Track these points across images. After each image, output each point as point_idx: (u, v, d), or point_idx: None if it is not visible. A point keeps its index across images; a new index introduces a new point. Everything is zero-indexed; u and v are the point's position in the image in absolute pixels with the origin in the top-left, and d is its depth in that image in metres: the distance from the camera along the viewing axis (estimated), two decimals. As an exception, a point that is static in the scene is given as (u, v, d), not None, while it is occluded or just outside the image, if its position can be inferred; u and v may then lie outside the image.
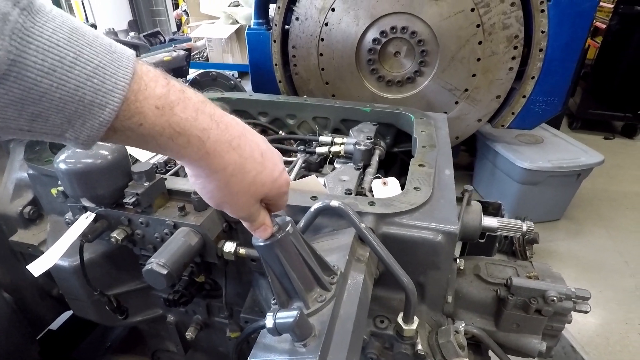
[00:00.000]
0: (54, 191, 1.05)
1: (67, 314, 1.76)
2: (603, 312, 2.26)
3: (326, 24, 2.53)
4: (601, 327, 2.17)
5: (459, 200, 1.15)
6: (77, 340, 1.96)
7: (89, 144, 0.46)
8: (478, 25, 2.33)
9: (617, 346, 2.08)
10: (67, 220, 1.09)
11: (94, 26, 1.55)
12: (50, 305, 1.62)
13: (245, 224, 0.65)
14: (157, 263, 0.82)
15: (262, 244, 0.65)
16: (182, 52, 2.71)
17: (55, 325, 1.77)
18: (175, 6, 9.25)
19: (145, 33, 5.46)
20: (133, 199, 0.93)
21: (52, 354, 1.75)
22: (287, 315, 0.59)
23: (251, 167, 0.58)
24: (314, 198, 0.93)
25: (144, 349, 1.72)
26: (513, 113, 2.61)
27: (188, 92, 0.52)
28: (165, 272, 0.82)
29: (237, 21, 4.00)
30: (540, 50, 2.37)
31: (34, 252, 1.34)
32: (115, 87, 0.44)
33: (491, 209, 1.51)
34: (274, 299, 0.71)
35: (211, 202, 0.61)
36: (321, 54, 2.64)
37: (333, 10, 2.48)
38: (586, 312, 0.95)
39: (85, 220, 0.98)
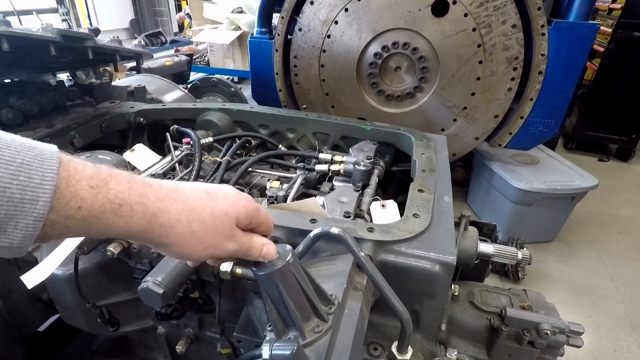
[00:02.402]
0: (51, 201, 1.04)
1: (54, 317, 1.74)
2: (592, 338, 2.26)
3: (329, 36, 2.55)
4: (590, 353, 2.18)
5: (456, 225, 1.15)
6: (63, 343, 1.93)
7: (24, 246, 0.45)
8: (479, 45, 2.35)
9: (605, 372, 2.09)
10: (62, 229, 1.08)
11: (97, 30, 1.54)
12: (40, 309, 1.60)
13: (252, 257, 0.65)
14: (154, 282, 0.82)
15: (261, 273, 0.65)
16: (184, 57, 2.72)
17: (42, 327, 1.75)
18: (178, 8, 9.27)
19: (146, 33, 5.48)
20: (131, 215, 0.92)
21: (38, 358, 1.73)
22: (284, 347, 0.59)
23: (202, 205, 0.59)
24: (313, 221, 0.93)
25: (131, 355, 1.70)
26: (510, 133, 2.64)
27: (116, 169, 0.53)
28: (161, 291, 0.82)
29: (239, 27, 4.02)
30: (540, 72, 2.40)
31: (27, 257, 1.32)
32: (44, 180, 0.44)
33: (486, 230, 1.52)
34: (269, 326, 0.71)
35: (198, 256, 0.61)
36: (322, 65, 2.65)
37: (336, 22, 2.49)
38: (579, 347, 0.96)
39: (81, 233, 0.97)
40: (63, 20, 7.90)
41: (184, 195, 0.58)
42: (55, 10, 7.98)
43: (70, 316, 1.30)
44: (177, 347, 1.29)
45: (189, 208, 0.57)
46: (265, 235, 0.69)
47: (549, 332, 0.93)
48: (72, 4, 8.09)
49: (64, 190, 0.45)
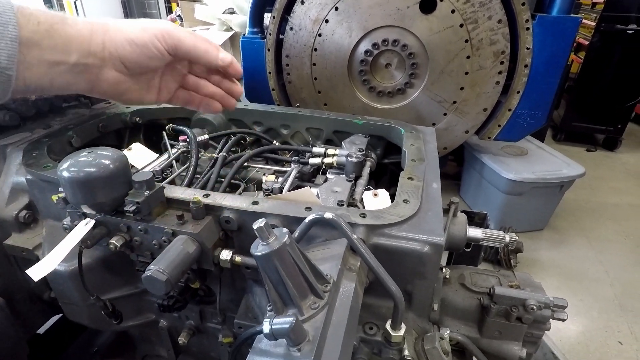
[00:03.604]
0: (54, 197, 1.07)
1: (55, 317, 1.76)
2: (584, 320, 2.33)
3: (320, 35, 2.59)
4: (582, 334, 2.25)
5: (446, 211, 1.20)
6: (64, 345, 1.95)
7: (10, 69, 0.57)
8: (466, 41, 2.41)
9: (596, 353, 2.16)
10: (64, 225, 1.11)
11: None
12: (41, 309, 1.62)
13: (204, 48, 0.78)
14: (157, 270, 0.85)
15: (260, 253, 0.69)
16: (176, 59, 2.76)
17: (42, 329, 1.77)
18: (169, 10, 9.26)
19: (137, 36, 5.47)
20: (133, 207, 0.96)
21: (40, 359, 1.75)
22: (283, 322, 0.63)
23: (123, 20, 0.75)
24: (308, 209, 0.97)
25: (132, 354, 1.73)
26: (499, 125, 2.70)
27: None
28: (165, 278, 0.85)
29: (231, 28, 4.04)
30: (526, 65, 2.46)
31: (28, 256, 1.35)
32: (6, 9, 0.57)
33: (477, 219, 1.56)
34: (269, 306, 0.75)
35: (143, 35, 0.75)
36: (314, 64, 2.70)
37: (327, 21, 2.54)
38: (563, 320, 1.01)
39: (84, 227, 1.01)
40: (52, 25, 7.86)
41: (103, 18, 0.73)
42: (43, 15, 7.94)
43: (73, 312, 1.33)
44: (179, 338, 1.32)
45: (112, 20, 0.74)
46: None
47: (535, 307, 0.98)
48: (61, 6, 8.05)
49: (23, 12, 0.58)
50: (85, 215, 1.04)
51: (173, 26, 0.76)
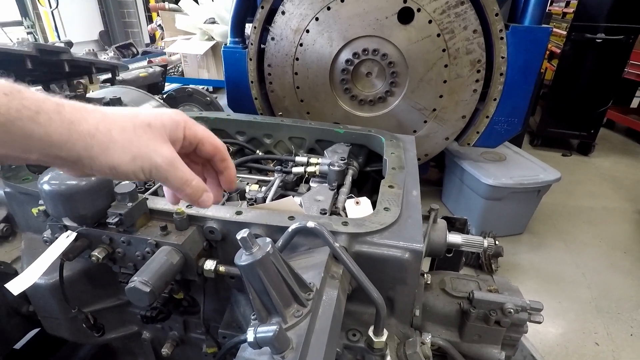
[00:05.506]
0: (34, 210, 1.05)
1: (32, 332, 1.72)
2: (562, 323, 2.40)
3: (301, 45, 2.63)
4: (561, 336, 2.31)
5: (426, 218, 1.23)
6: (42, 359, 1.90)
7: None
8: (444, 50, 2.48)
9: (574, 355, 2.21)
10: (45, 238, 1.10)
11: (70, 43, 1.57)
12: (18, 323, 1.58)
13: (185, 193, 0.64)
14: (140, 281, 0.85)
15: (244, 263, 0.70)
16: (158, 69, 2.74)
17: (19, 344, 1.72)
18: (149, 20, 9.20)
19: (117, 44, 5.42)
20: (116, 219, 0.95)
21: (17, 375, 1.70)
22: (267, 330, 0.64)
23: (121, 115, 0.58)
24: (292, 218, 0.99)
25: (113, 367, 1.70)
26: (478, 132, 2.77)
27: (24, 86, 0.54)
28: (148, 289, 0.85)
29: (212, 38, 4.05)
30: (501, 74, 2.54)
31: (6, 270, 1.32)
32: None
33: (458, 225, 1.60)
34: (253, 315, 0.76)
35: (127, 168, 0.58)
36: (296, 73, 2.73)
37: (308, 31, 2.57)
38: (539, 323, 1.05)
39: (66, 240, 1.00)
40: (28, 34, 7.69)
41: (102, 108, 0.58)
42: (19, 23, 7.77)
43: (53, 326, 1.31)
44: (162, 350, 1.31)
45: (107, 117, 0.57)
46: (222, 171, 0.71)
47: (512, 310, 1.01)
48: (38, 16, 7.90)
49: None
50: (66, 228, 1.03)
51: (172, 157, 0.61)
